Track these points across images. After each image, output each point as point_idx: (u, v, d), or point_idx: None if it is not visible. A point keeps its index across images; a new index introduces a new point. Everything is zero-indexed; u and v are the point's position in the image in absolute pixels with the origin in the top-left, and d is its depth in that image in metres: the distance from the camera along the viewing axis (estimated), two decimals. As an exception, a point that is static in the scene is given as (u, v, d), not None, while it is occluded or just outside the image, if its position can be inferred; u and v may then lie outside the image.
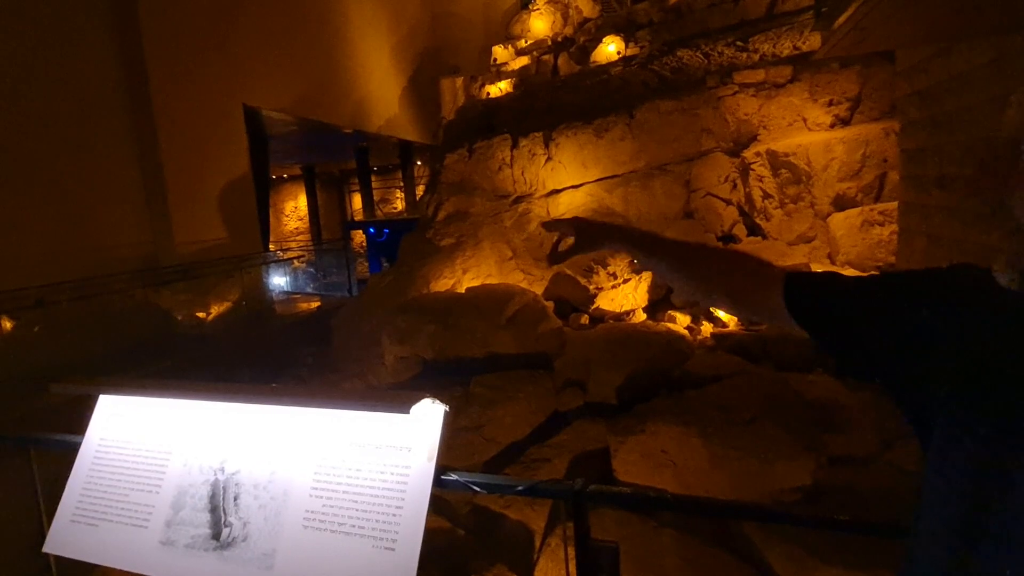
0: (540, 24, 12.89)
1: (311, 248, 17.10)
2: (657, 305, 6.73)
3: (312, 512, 1.22)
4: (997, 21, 3.17)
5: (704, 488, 3.82)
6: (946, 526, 0.65)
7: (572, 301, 6.89)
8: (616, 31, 10.51)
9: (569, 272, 7.08)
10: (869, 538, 1.22)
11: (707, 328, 5.97)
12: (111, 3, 8.32)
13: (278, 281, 13.52)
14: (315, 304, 12.03)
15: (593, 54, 10.37)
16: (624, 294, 6.69)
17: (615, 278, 6.85)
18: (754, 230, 7.67)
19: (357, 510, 1.19)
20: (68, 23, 7.67)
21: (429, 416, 1.19)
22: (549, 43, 12.20)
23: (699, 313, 6.24)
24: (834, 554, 3.09)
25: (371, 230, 15.25)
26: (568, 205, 8.13)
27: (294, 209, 22.75)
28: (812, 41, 7.49)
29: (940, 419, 0.68)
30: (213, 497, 1.31)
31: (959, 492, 0.64)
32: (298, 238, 21.63)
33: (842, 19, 2.93)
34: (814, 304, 0.85)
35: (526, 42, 12.76)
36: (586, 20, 12.22)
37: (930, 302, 0.72)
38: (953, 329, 0.69)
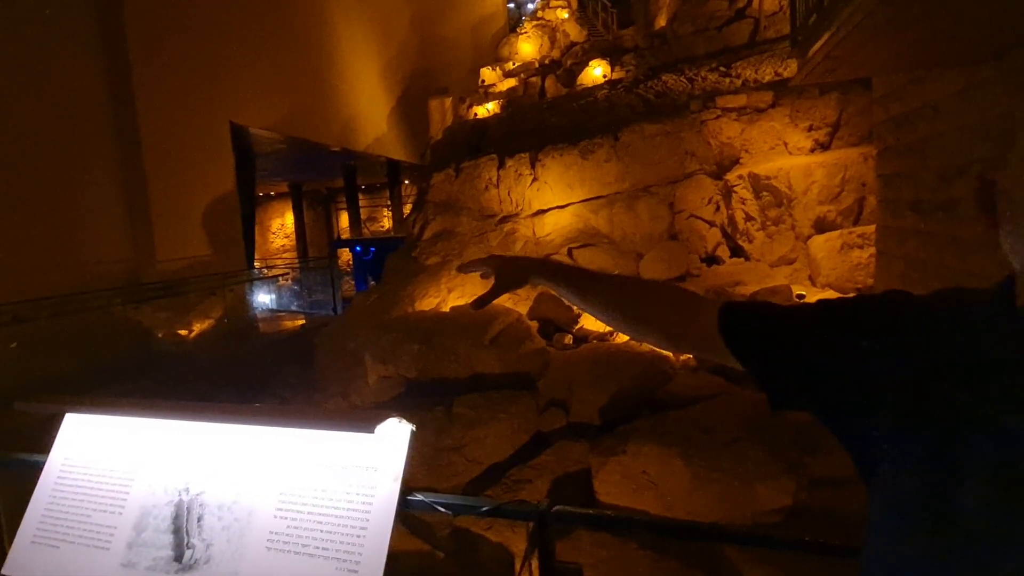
0: (528, 47, 13.08)
1: (297, 266, 17.02)
2: (641, 325, 6.75)
3: (276, 534, 1.20)
4: (964, 53, 3.27)
5: (685, 509, 3.81)
6: (899, 553, 0.66)
7: (556, 321, 6.90)
8: (602, 55, 10.68)
9: (554, 292, 7.09)
10: (850, 561, 1.22)
11: (690, 349, 5.98)
12: (98, 20, 8.33)
13: (263, 299, 13.43)
14: (299, 322, 11.95)
15: (580, 77, 10.52)
16: (608, 314, 6.70)
17: (599, 298, 6.87)
18: (737, 251, 7.75)
19: (321, 531, 1.17)
20: (54, 40, 7.67)
21: (395, 436, 1.19)
22: (536, 66, 12.37)
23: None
24: (815, 575, 3.09)
25: (357, 248, 15.23)
26: (554, 225, 8.18)
27: (281, 227, 22.68)
28: (792, 67, 7.65)
29: (886, 448, 0.69)
30: (176, 518, 1.29)
31: (911, 520, 0.65)
32: (284, 255, 21.54)
33: (815, 48, 3.01)
34: (750, 333, 0.82)
35: (514, 64, 12.93)
36: (573, 44, 12.43)
37: (870, 333, 0.72)
38: (893, 359, 0.69)
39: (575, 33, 12.99)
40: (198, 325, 9.31)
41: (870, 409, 0.70)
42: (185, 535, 1.27)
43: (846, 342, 0.73)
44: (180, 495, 1.32)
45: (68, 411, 1.51)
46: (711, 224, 7.82)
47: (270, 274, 15.21)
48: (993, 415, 0.61)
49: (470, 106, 12.23)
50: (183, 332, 9.14)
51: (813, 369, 0.76)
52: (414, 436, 1.20)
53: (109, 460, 1.43)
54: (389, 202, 19.63)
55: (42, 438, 1.59)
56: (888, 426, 0.68)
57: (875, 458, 0.70)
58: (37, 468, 1.50)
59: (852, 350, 0.72)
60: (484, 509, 1.18)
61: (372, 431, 1.14)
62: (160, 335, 8.77)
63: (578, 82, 10.52)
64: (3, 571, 1.42)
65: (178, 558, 1.25)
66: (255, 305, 11.89)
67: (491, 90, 12.44)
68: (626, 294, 1.01)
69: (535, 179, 8.20)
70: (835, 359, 0.74)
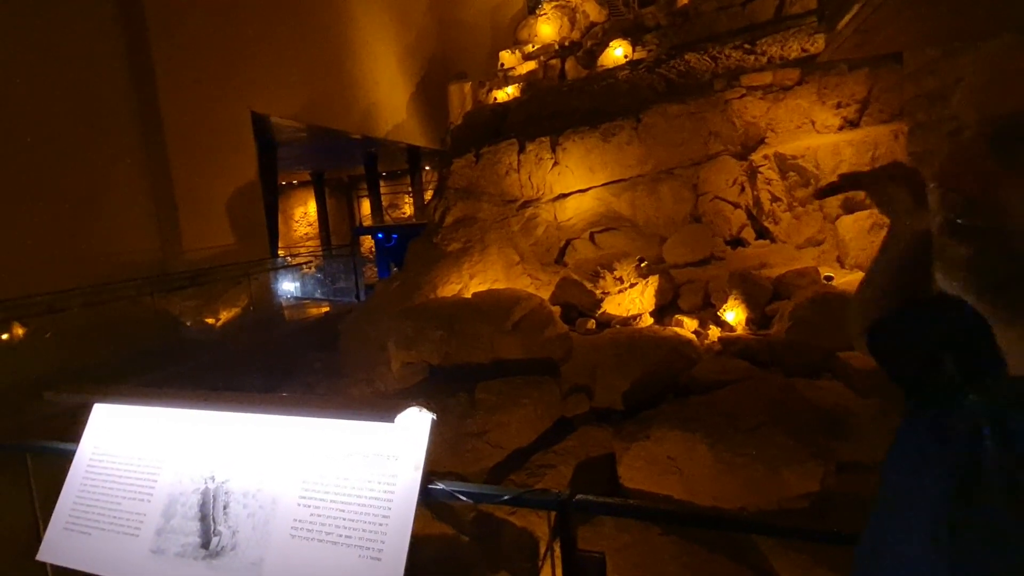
0: (547, 29, 12.91)
1: (320, 254, 17.18)
2: (664, 310, 6.70)
3: (300, 521, 1.21)
4: (1000, 23, 3.13)
5: (710, 495, 3.78)
6: (876, 535, 0.72)
7: (579, 306, 6.87)
8: (623, 35, 10.51)
9: (576, 277, 7.06)
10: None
11: (715, 333, 5.93)
12: (120, 12, 8.42)
13: (287, 286, 13.60)
14: (324, 309, 12.08)
15: (600, 58, 10.37)
16: (631, 299, 6.65)
17: (622, 283, 6.82)
18: (763, 233, 7.62)
19: (344, 519, 1.18)
20: (77, 33, 7.77)
21: (416, 425, 1.18)
22: (556, 48, 12.21)
23: (706, 317, 6.19)
24: (843, 562, 3.05)
25: (379, 235, 15.29)
26: (575, 209, 8.12)
27: (304, 215, 22.88)
28: (820, 43, 7.43)
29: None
30: (203, 506, 1.31)
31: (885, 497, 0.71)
32: (308, 243, 21.75)
33: (844, 21, 2.91)
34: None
35: (533, 47, 12.78)
36: (593, 24, 12.23)
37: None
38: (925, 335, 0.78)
39: (595, 13, 12.78)
40: (225, 313, 9.47)
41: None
42: (212, 522, 1.29)
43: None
44: (206, 483, 1.33)
45: (96, 401, 1.54)
46: (736, 206, 7.68)
47: (294, 262, 15.39)
48: (960, 391, 0.63)
49: (490, 90, 12.14)
50: (210, 320, 9.31)
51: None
52: (435, 424, 1.20)
53: (137, 449, 1.46)
54: (410, 188, 19.67)
55: (74, 425, 1.62)
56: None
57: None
58: (69, 456, 1.54)
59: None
60: (505, 498, 1.17)
61: (392, 420, 1.13)
62: (188, 324, 8.94)
63: (599, 63, 10.37)
64: (38, 557, 1.46)
65: (205, 544, 1.27)
66: (280, 293, 12.05)
67: (510, 74, 12.33)
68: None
69: (556, 163, 8.14)
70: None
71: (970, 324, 0.67)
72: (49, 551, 1.42)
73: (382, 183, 19.88)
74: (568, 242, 8.23)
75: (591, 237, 8.18)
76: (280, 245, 14.04)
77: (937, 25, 2.94)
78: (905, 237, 0.92)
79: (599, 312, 6.71)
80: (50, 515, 1.49)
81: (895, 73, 6.65)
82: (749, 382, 4.67)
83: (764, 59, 8.14)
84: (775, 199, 7.35)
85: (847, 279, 6.19)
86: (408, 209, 21.58)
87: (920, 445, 0.67)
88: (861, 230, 6.48)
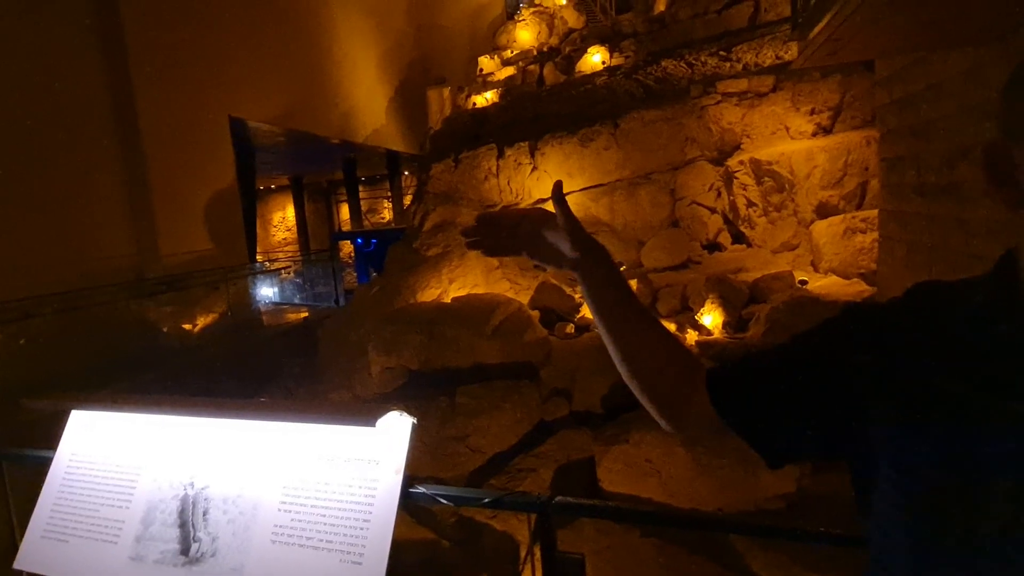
0: (526, 34, 12.98)
1: (299, 259, 17.04)
2: (643, 313, 6.75)
3: (280, 527, 1.22)
4: (970, 33, 3.24)
5: (689, 497, 3.83)
6: (904, 546, 0.67)
7: (558, 310, 6.90)
8: (601, 41, 10.60)
9: (555, 281, 7.10)
10: (850, 547, 1.22)
11: (692, 336, 6.00)
12: (96, 15, 8.30)
13: (266, 292, 13.47)
14: (303, 315, 11.98)
15: (578, 64, 10.45)
16: (610, 302, 6.70)
17: (601, 287, 6.86)
18: (739, 238, 7.73)
19: (325, 524, 1.19)
20: (52, 36, 7.65)
21: (397, 429, 1.20)
22: (535, 53, 12.28)
23: (684, 321, 6.27)
24: (819, 561, 3.11)
25: (359, 240, 15.23)
26: (554, 214, 8.15)
27: (282, 220, 22.67)
28: (794, 51, 7.58)
29: (890, 452, 0.69)
30: (182, 512, 1.31)
31: (918, 516, 0.66)
32: (286, 248, 21.55)
33: (816, 30, 2.99)
34: (746, 405, 0.81)
35: (512, 52, 12.83)
36: (571, 31, 12.33)
37: (859, 346, 0.72)
38: (894, 365, 0.69)
39: (573, 19, 12.88)
40: (202, 319, 9.35)
41: (873, 420, 0.71)
42: (191, 529, 1.29)
43: (836, 363, 0.74)
44: (185, 489, 1.33)
45: (74, 408, 1.53)
46: (712, 211, 7.79)
47: (272, 267, 15.25)
48: (1015, 406, 0.61)
49: (468, 96, 12.15)
50: (188, 326, 9.18)
51: (812, 401, 0.76)
52: (415, 428, 1.22)
53: (115, 456, 1.45)
54: (389, 193, 19.61)
55: (51, 432, 1.61)
56: (894, 431, 0.68)
57: (883, 464, 0.70)
58: (46, 463, 1.52)
59: (845, 369, 0.73)
60: (486, 501, 1.19)
61: (373, 424, 1.15)
62: (165, 329, 8.81)
63: (577, 69, 10.45)
64: (15, 565, 1.44)
65: (185, 551, 1.27)
66: (258, 298, 11.93)
67: (489, 79, 12.35)
68: (637, 320, 0.92)
69: (535, 168, 8.18)
70: (830, 383, 0.74)
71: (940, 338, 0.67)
72: (26, 559, 1.40)
73: (361, 188, 19.79)
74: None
75: (571, 241, 8.22)
76: (259, 250, 13.90)
77: (907, 35, 3.03)
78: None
79: (578, 316, 6.76)
80: (27, 523, 1.47)
81: (867, 80, 6.81)
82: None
83: (739, 66, 8.28)
84: (751, 204, 7.47)
85: (821, 283, 6.32)
86: (387, 214, 21.50)
87: (951, 450, 0.64)
88: (835, 235, 6.61)
